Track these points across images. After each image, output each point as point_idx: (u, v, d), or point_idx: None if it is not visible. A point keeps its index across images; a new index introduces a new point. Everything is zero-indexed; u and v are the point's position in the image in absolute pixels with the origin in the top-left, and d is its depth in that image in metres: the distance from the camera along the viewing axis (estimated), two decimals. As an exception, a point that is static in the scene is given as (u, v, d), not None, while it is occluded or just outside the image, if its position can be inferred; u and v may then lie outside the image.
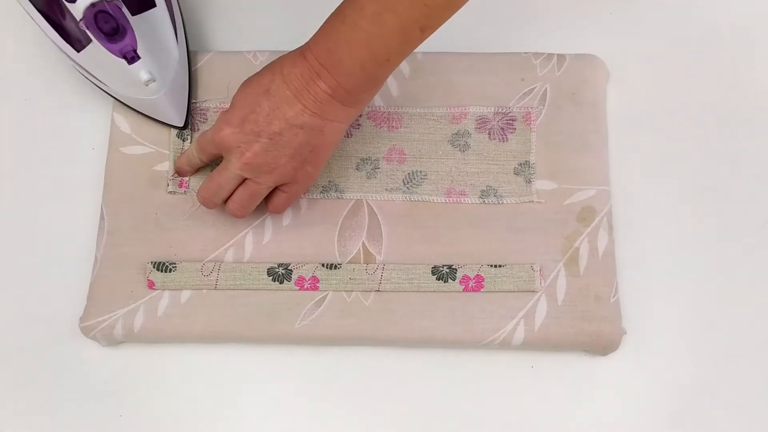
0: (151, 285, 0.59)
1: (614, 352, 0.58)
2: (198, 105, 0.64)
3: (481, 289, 0.58)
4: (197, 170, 0.62)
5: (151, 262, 0.59)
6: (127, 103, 0.62)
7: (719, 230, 0.62)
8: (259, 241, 0.60)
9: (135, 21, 0.59)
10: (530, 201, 0.61)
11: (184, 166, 0.61)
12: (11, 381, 0.60)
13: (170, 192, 0.62)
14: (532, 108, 0.63)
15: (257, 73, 0.55)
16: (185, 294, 0.59)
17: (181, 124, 0.62)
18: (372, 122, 0.63)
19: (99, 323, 0.58)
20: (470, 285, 0.58)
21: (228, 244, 0.60)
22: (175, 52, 0.62)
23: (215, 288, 0.59)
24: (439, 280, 0.58)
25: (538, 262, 0.59)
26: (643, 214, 0.62)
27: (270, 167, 0.55)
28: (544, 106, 0.63)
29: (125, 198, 0.62)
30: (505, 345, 0.57)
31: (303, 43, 0.53)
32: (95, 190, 0.63)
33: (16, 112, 0.67)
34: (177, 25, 0.63)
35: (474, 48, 0.66)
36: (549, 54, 0.64)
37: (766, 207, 0.63)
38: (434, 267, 0.59)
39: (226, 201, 0.58)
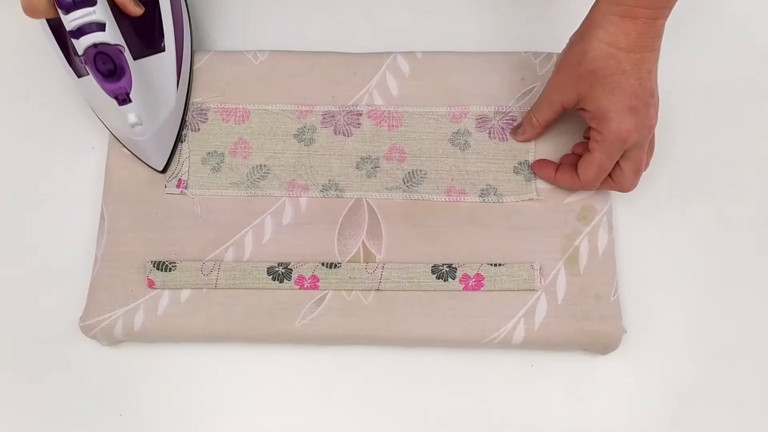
0: (151, 284, 0.59)
1: (614, 352, 0.58)
2: (198, 105, 0.64)
3: (481, 288, 0.58)
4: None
5: (151, 262, 0.59)
6: (115, 135, 0.62)
7: (719, 230, 0.62)
8: (258, 241, 0.60)
9: (136, 65, 0.58)
10: (530, 199, 0.61)
11: None
12: (11, 381, 0.60)
13: (168, 194, 0.62)
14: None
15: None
16: (185, 293, 0.59)
17: (160, 169, 0.62)
18: (372, 121, 0.63)
19: (99, 322, 0.58)
20: (470, 284, 0.58)
21: (228, 244, 0.60)
22: (171, 100, 0.61)
23: (215, 287, 0.59)
24: (438, 279, 0.58)
25: (538, 261, 0.59)
26: (643, 213, 0.62)
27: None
28: (544, 105, 0.63)
29: (125, 197, 0.62)
30: (505, 344, 0.57)
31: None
32: (95, 190, 0.63)
33: (16, 111, 0.67)
34: (182, 74, 0.62)
35: (474, 48, 0.66)
36: (549, 53, 0.64)
37: (766, 207, 0.63)
38: (434, 266, 0.59)
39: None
